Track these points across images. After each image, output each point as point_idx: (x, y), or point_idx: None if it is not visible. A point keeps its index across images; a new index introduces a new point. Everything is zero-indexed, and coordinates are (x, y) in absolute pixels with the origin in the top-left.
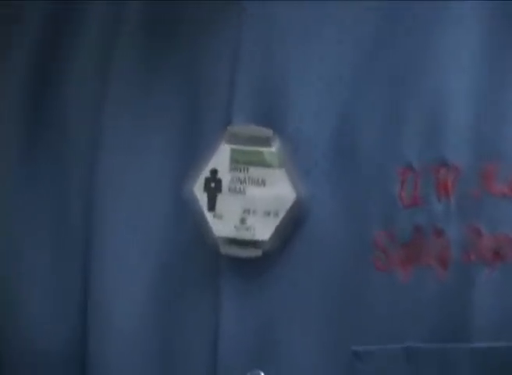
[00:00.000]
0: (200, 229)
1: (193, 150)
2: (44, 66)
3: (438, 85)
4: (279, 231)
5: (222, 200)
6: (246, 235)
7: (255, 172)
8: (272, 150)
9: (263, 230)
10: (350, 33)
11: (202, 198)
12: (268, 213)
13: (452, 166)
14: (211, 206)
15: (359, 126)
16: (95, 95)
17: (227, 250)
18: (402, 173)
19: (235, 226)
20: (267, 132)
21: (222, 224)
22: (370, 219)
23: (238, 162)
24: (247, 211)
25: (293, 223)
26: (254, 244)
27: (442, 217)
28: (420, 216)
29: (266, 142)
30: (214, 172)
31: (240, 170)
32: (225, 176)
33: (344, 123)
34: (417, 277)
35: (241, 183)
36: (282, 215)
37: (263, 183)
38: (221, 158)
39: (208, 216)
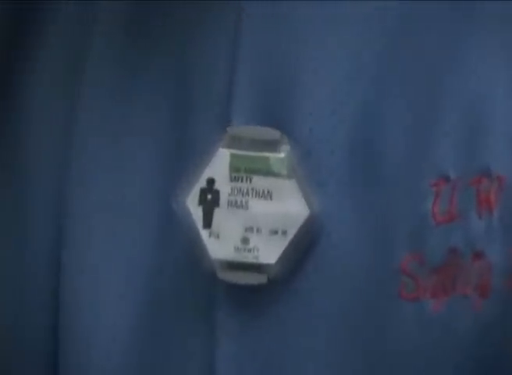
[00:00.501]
0: (193, 250)
1: (186, 157)
2: (5, 66)
3: (477, 85)
4: (287, 254)
5: (219, 216)
6: (248, 258)
7: (260, 182)
8: (280, 156)
9: (269, 253)
10: (370, 26)
11: (196, 213)
12: (274, 232)
13: (495, 177)
14: (207, 223)
15: (383, 128)
16: (65, 99)
17: (225, 275)
18: (435, 184)
19: (235, 247)
20: (274, 134)
21: (220, 244)
22: (396, 239)
23: (239, 170)
24: (249, 229)
25: (305, 245)
26: (257, 268)
27: (482, 237)
28: (456, 235)
29: (273, 146)
30: (210, 182)
31: (242, 180)
32: (223, 188)
33: (365, 125)
34: (451, 308)
35: (243, 195)
36: (291, 234)
37: (269, 195)
38: (219, 166)
39: (203, 234)
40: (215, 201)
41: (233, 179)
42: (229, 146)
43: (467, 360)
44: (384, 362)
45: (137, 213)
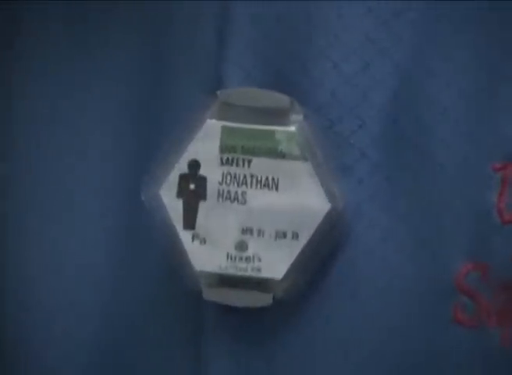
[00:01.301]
0: (169, 259)
1: (161, 133)
2: None
3: None
4: (301, 265)
5: (206, 212)
6: (246, 270)
7: (262, 166)
8: (290, 130)
9: (274, 263)
10: None
11: (174, 209)
12: (282, 235)
13: None
14: (189, 222)
15: (430, 98)
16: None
17: (214, 295)
18: (502, 168)
19: (228, 256)
20: (282, 100)
21: (207, 252)
22: (449, 243)
23: (234, 149)
24: (247, 231)
25: (325, 252)
26: (259, 285)
27: None
28: None
29: (280, 117)
30: (194, 165)
31: (238, 163)
32: (212, 173)
33: (408, 90)
34: None
35: (239, 184)
36: (306, 238)
37: (274, 185)
38: (205, 144)
39: (184, 237)
40: (201, 193)
41: (226, 161)
42: (219, 116)
43: None
44: None
45: (93, 209)
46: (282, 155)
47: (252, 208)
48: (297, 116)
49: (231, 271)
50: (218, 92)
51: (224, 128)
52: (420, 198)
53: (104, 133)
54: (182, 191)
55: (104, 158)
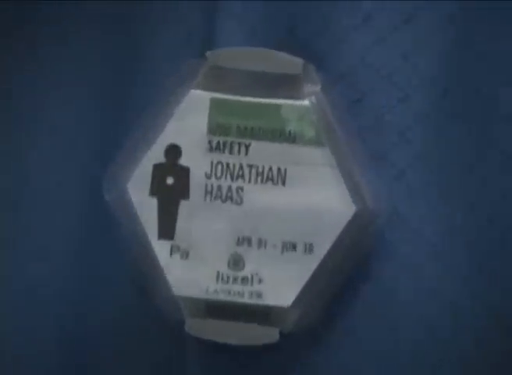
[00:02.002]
0: (140, 280)
1: (130, 107)
2: None
3: None
4: (315, 287)
5: (189, 215)
6: (242, 295)
7: (263, 154)
8: (303, 104)
9: (280, 286)
10: None
11: (145, 211)
12: (291, 247)
13: None
14: (166, 229)
15: (489, 59)
16: None
17: (199, 328)
18: None
19: (218, 276)
20: (292, 63)
21: (190, 270)
22: (509, 263)
23: (227, 130)
24: (244, 241)
25: (350, 269)
26: (260, 316)
27: None
28: None
29: (289, 87)
30: (172, 152)
31: (231, 149)
32: (197, 163)
33: (459, 53)
34: None
35: (233, 178)
36: (323, 251)
37: (281, 179)
38: (189, 123)
39: (159, 250)
40: (182, 189)
41: (215, 147)
42: (208, 85)
43: None
44: None
45: (48, 212)
46: (292, 139)
47: (250, 210)
48: (313, 86)
49: (222, 297)
50: (208, 53)
51: (213, 101)
52: (479, 200)
53: (63, 110)
54: (156, 187)
55: (58, 146)
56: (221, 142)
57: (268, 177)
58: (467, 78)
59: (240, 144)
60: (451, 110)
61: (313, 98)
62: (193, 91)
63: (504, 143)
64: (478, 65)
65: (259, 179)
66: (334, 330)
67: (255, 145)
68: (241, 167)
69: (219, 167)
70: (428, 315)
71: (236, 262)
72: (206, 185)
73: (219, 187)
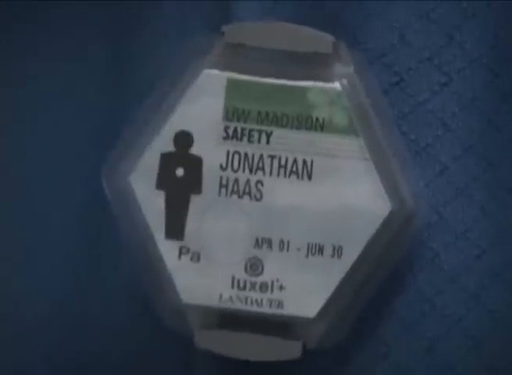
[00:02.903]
0: (144, 285)
1: (136, 88)
2: None
3: None
4: (344, 296)
5: (202, 212)
6: (260, 304)
7: (287, 143)
8: (334, 87)
9: (304, 294)
10: None
11: (151, 207)
12: (317, 250)
13: None
14: (175, 228)
15: None
16: None
17: (211, 341)
18: None
19: (234, 281)
20: (321, 40)
21: (202, 275)
22: None
23: (245, 116)
24: (264, 242)
25: (385, 276)
26: (281, 328)
27: None
28: None
29: (318, 67)
30: (183, 139)
31: (250, 138)
32: (211, 153)
33: (506, 41)
34: None
35: (252, 170)
36: (354, 255)
37: (306, 172)
38: (201, 107)
39: (167, 251)
40: (193, 183)
41: (232, 135)
42: (224, 65)
43: None
44: None
45: (45, 207)
46: (320, 127)
47: (271, 208)
48: (345, 67)
49: (238, 305)
50: (224, 27)
51: (230, 82)
52: None
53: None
54: (164, 180)
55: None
56: (238, 129)
57: (292, 170)
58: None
59: (260, 131)
60: (501, 95)
61: (344, 81)
62: (206, 70)
63: None
64: None
65: (282, 172)
66: (364, 347)
67: (278, 133)
68: (261, 158)
69: (236, 158)
70: (471, 331)
71: (254, 267)
72: (221, 178)
73: (236, 181)
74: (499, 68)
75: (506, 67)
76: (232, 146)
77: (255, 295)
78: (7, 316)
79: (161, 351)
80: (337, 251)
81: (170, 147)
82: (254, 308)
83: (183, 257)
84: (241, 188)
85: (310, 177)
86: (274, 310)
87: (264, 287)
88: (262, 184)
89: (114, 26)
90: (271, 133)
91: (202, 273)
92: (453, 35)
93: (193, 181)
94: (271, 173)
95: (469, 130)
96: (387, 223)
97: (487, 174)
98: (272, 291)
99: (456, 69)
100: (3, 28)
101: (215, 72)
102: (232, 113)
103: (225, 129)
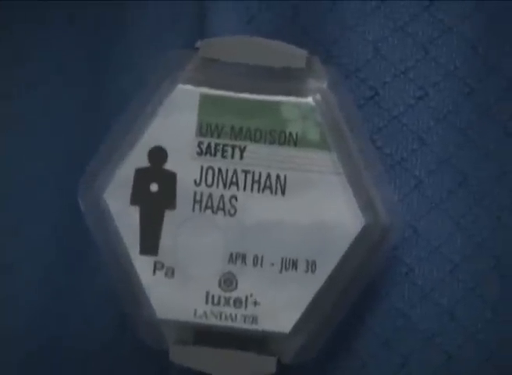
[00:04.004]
0: (120, 298)
1: (109, 104)
2: None
3: None
4: (319, 311)
5: (176, 228)
6: (234, 320)
7: (261, 158)
8: (307, 101)
9: (279, 309)
10: None
11: (126, 222)
12: (291, 265)
13: None
14: (149, 244)
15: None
16: None
17: (185, 356)
18: None
19: (208, 297)
20: (295, 56)
21: (176, 290)
22: None
23: (219, 131)
24: (238, 257)
25: (359, 292)
26: (255, 343)
27: None
28: None
29: (291, 82)
30: (157, 155)
31: (224, 153)
32: (185, 168)
33: (489, 46)
34: None
35: (226, 185)
36: (328, 270)
37: (280, 187)
38: (176, 122)
39: (141, 267)
40: (167, 198)
41: (206, 150)
42: (198, 80)
43: None
44: None
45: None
46: (293, 142)
47: (245, 223)
48: (318, 82)
49: (212, 321)
50: (198, 42)
51: (204, 97)
52: (507, 212)
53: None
54: (139, 195)
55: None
56: (212, 144)
57: (265, 185)
58: (495, 73)
59: (233, 147)
60: (476, 109)
61: (318, 96)
62: (180, 85)
63: None
64: (506, 59)
65: (255, 187)
66: (339, 361)
67: (251, 148)
68: (235, 173)
69: (210, 173)
70: (444, 346)
71: (228, 282)
72: (195, 193)
73: (210, 196)
74: (475, 82)
75: (482, 81)
76: (205, 161)
77: (229, 310)
78: None
79: (137, 366)
80: (311, 266)
81: (145, 162)
82: (229, 324)
83: (157, 272)
84: (215, 204)
85: (283, 192)
86: (248, 326)
87: (238, 302)
88: (236, 199)
89: (92, 39)
90: (244, 148)
91: (177, 288)
92: (429, 49)
93: (168, 197)
94: (245, 188)
95: (444, 143)
96: (361, 237)
97: (462, 188)
98: (246, 306)
99: (432, 82)
100: None
101: (189, 87)
102: (205, 129)
103: (199, 144)
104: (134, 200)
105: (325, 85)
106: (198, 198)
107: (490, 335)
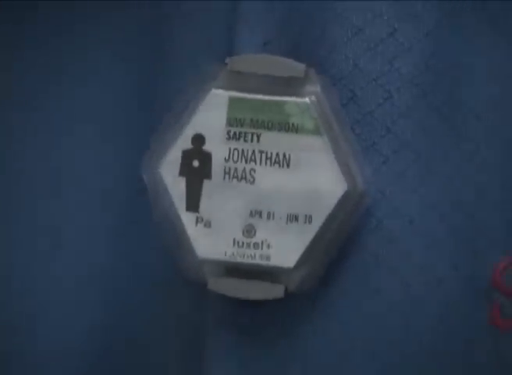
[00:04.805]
0: (170, 245)
1: (162, 102)
2: None
3: None
4: (315, 252)
5: (211, 192)
6: (254, 258)
7: (273, 142)
8: (304, 101)
9: (286, 250)
10: None
11: (175, 188)
12: (294, 218)
13: None
14: (193, 203)
15: (462, 67)
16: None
17: (219, 285)
18: None
19: (234, 242)
20: (295, 68)
21: (211, 237)
22: (486, 238)
23: (242, 122)
24: (256, 213)
25: (343, 240)
26: (269, 275)
27: None
28: None
29: (293, 87)
30: (198, 140)
31: (246, 138)
32: (217, 149)
33: (437, 61)
34: None
35: (246, 161)
36: (319, 222)
37: (285, 162)
38: (211, 116)
39: (187, 220)
40: (205, 171)
41: (232, 136)
42: (227, 86)
43: None
44: None
45: (92, 190)
46: (295, 129)
47: (261, 188)
48: (313, 87)
49: (238, 259)
50: (227, 59)
51: (231, 99)
52: (452, 183)
53: (103, 104)
54: (185, 169)
55: (103, 134)
56: (237, 132)
57: (275, 161)
58: (442, 81)
59: (252, 134)
60: (428, 107)
61: (313, 97)
62: (214, 90)
63: (472, 136)
64: (452, 72)
65: (268, 162)
66: (329, 290)
67: (265, 135)
68: (254, 153)
69: (236, 153)
70: (404, 277)
71: (249, 231)
72: (225, 167)
73: (236, 169)
74: (428, 88)
75: (433, 87)
76: (233, 144)
77: (250, 252)
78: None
79: (186, 295)
80: (308, 219)
81: (189, 145)
82: (250, 261)
83: (198, 224)
84: (239, 175)
85: (288, 166)
86: (263, 262)
87: (256, 245)
88: (255, 172)
89: (137, 54)
90: (260, 135)
91: (212, 235)
92: (393, 63)
93: (205, 170)
94: (261, 163)
95: (405, 131)
96: (343, 199)
97: (418, 163)
98: (261, 248)
99: (395, 87)
100: (19, 46)
101: (220, 91)
102: (232, 121)
103: (228, 132)
104: (181, 172)
105: (318, 89)
106: (227, 170)
107: (462, 278)
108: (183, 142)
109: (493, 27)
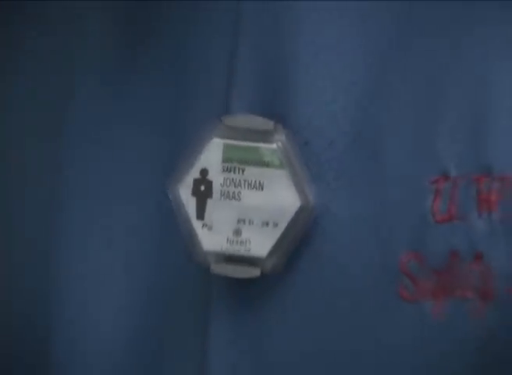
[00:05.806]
0: (187, 241)
1: (181, 147)
2: None
3: (479, 82)
4: (280, 247)
5: (212, 207)
6: (240, 250)
7: (252, 173)
8: (272, 146)
9: (260, 245)
10: (372, 18)
11: (189, 204)
12: (266, 224)
13: (497, 176)
14: (200, 214)
15: (384, 121)
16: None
17: (218, 268)
18: (436, 181)
19: (228, 239)
20: (267, 124)
21: (213, 236)
22: (395, 237)
23: (232, 160)
24: (242, 220)
25: (298, 238)
26: (250, 261)
27: (482, 237)
28: (457, 235)
29: (265, 136)
30: (204, 172)
31: (235, 171)
32: (216, 178)
33: (366, 117)
34: (452, 312)
35: (235, 186)
36: (283, 227)
37: (261, 186)
38: (212, 156)
39: (196, 225)
40: (208, 192)
41: (226, 169)
42: (223, 136)
43: (467, 368)
44: (377, 364)
45: (133, 205)
46: (266, 165)
47: (245, 204)
48: (279, 136)
49: (230, 251)
50: (223, 117)
51: (225, 145)
52: (373, 202)
53: (141, 145)
54: (195, 191)
55: (140, 168)
56: (229, 167)
57: (254, 186)
58: (370, 136)
59: (239, 168)
60: (360, 150)
61: (279, 143)
62: (214, 138)
63: (392, 169)
64: (379, 122)
65: (249, 187)
66: (291, 273)
67: (248, 169)
68: (240, 181)
69: (228, 181)
70: (342, 265)
71: (237, 233)
72: (221, 190)
73: (228, 192)
74: (359, 139)
75: (365, 138)
76: (226, 175)
77: (238, 246)
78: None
79: (194, 276)
80: (275, 225)
81: (198, 175)
82: (238, 253)
83: (204, 228)
84: (231, 195)
85: (262, 189)
86: (246, 253)
87: (242, 242)
88: (240, 193)
89: (165, 112)
90: (244, 169)
91: (213, 235)
92: (337, 118)
93: (208, 192)
94: (245, 188)
95: (343, 166)
96: (299, 211)
97: (351, 187)
98: (245, 244)
99: (336, 136)
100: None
101: (218, 139)
102: (226, 159)
103: (223, 167)
104: (193, 193)
105: (283, 138)
106: (223, 192)
107: None
108: (194, 173)
109: None
